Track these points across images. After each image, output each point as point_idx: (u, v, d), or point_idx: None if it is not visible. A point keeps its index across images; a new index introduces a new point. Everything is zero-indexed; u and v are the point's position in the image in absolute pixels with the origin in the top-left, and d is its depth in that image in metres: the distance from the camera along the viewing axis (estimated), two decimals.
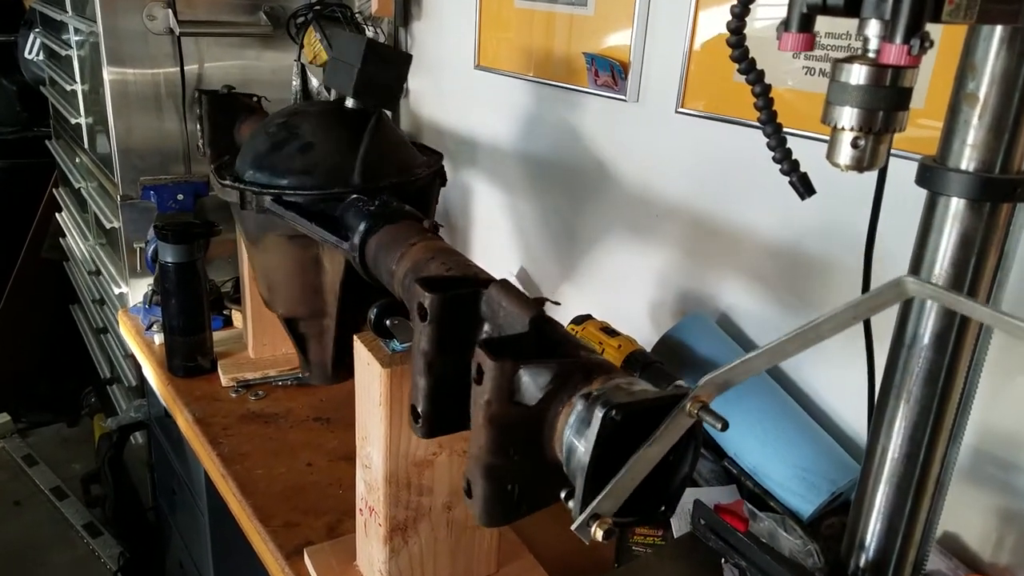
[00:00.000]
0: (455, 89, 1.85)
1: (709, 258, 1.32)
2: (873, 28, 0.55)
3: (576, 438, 0.56)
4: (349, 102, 1.05)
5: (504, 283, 0.65)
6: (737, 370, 0.54)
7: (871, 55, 0.58)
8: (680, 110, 1.28)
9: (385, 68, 1.07)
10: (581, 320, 1.27)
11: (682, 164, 1.33)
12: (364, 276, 0.90)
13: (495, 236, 1.82)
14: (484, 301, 0.66)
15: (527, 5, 1.57)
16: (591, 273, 1.56)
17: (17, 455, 2.87)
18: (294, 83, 1.86)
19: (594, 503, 0.53)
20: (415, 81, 1.98)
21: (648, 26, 1.33)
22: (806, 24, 0.57)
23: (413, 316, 0.68)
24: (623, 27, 1.36)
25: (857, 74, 0.58)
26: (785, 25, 0.58)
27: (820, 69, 1.10)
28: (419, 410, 0.67)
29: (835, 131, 0.60)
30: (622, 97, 1.38)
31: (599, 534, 0.52)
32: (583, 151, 1.51)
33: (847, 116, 0.59)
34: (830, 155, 0.61)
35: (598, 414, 0.52)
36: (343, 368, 1.08)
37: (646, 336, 1.29)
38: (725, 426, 0.52)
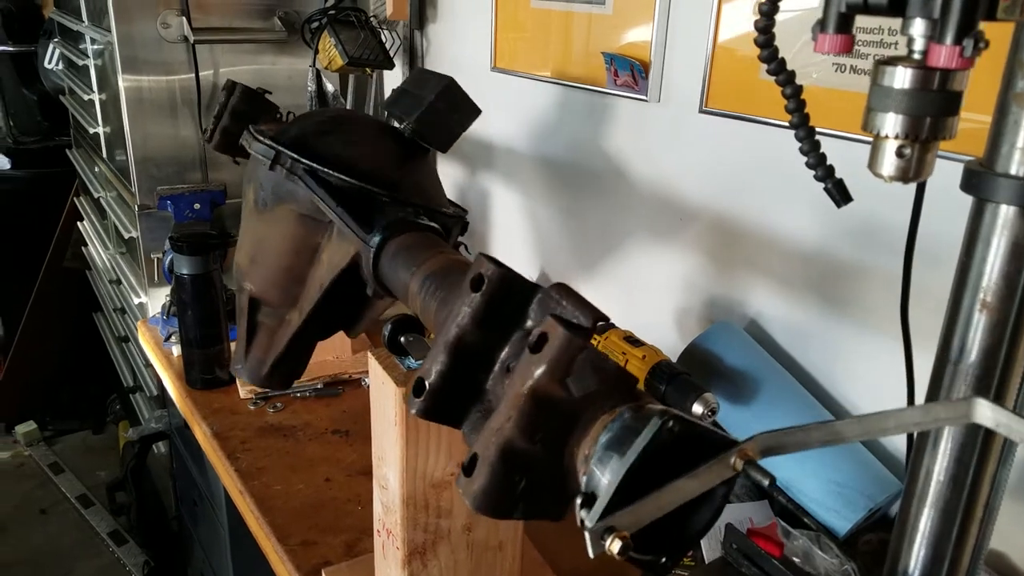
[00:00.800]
0: (471, 91, 1.80)
1: (736, 262, 1.27)
2: (919, 28, 0.51)
3: (614, 445, 0.52)
4: (405, 128, 1.03)
5: (564, 285, 0.62)
6: (792, 437, 0.50)
7: (916, 56, 0.54)
8: (704, 110, 1.24)
9: (453, 111, 1.07)
10: (603, 329, 1.23)
11: (707, 165, 1.28)
12: (369, 276, 0.87)
13: (513, 240, 1.79)
14: (538, 300, 0.63)
15: (544, 5, 1.53)
16: (612, 279, 1.52)
17: (44, 463, 2.89)
18: (309, 88, 1.84)
19: (617, 514, 0.49)
20: None
21: (669, 23, 1.28)
22: (844, 25, 0.53)
23: (463, 288, 0.64)
24: (643, 25, 1.32)
25: (902, 77, 0.53)
26: (821, 26, 0.54)
27: (851, 66, 1.05)
28: (427, 383, 0.62)
29: (877, 139, 0.55)
30: (643, 97, 1.33)
31: (615, 547, 0.48)
32: (603, 153, 1.47)
33: (891, 123, 0.54)
34: (872, 164, 0.57)
35: (656, 422, 0.49)
36: (280, 372, 1.03)
37: (671, 345, 1.25)
38: (772, 482, 0.49)
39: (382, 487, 0.90)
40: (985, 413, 0.49)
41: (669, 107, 1.32)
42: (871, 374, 1.11)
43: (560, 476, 0.55)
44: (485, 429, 0.57)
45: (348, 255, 0.92)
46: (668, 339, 1.35)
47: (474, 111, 1.11)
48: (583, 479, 0.54)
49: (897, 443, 1.10)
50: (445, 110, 1.04)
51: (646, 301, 1.45)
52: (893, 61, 0.55)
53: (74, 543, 2.52)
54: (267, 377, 1.02)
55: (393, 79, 2.04)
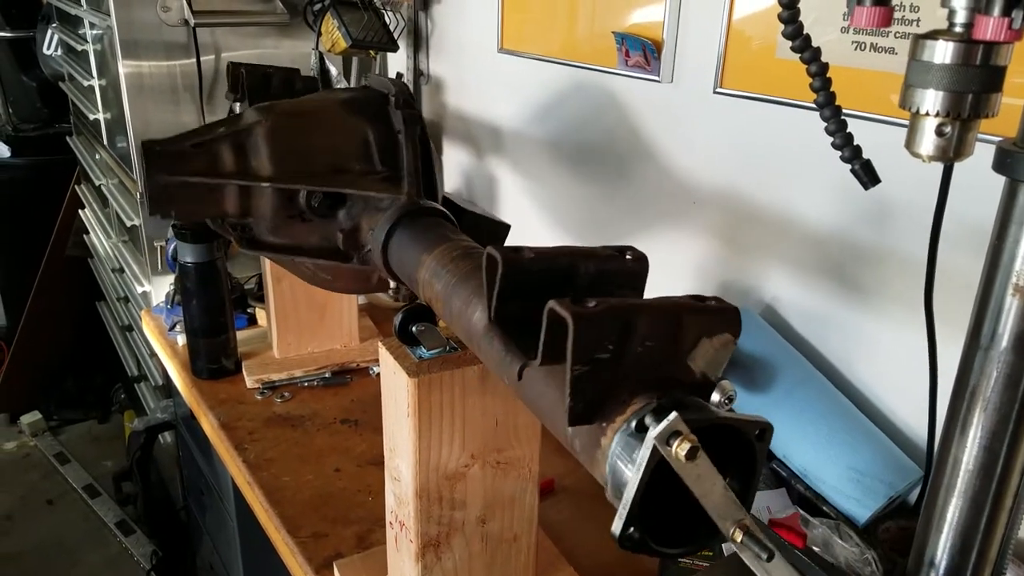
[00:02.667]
0: (478, 74, 1.78)
1: (752, 247, 1.25)
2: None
3: (693, 406, 0.52)
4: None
5: None
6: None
7: (958, 29, 0.51)
8: (719, 90, 1.21)
9: (491, 239, 1.16)
10: None
11: (721, 148, 1.25)
12: (376, 232, 0.89)
13: (521, 227, 1.76)
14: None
15: None
16: None
17: (49, 453, 2.89)
18: (312, 73, 1.81)
19: (689, 431, 0.48)
20: (436, 66, 1.92)
21: (683, 0, 1.25)
22: None
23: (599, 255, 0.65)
24: (655, 2, 1.29)
25: (943, 52, 0.51)
26: None
27: (872, 44, 1.02)
28: (529, 255, 0.61)
29: (916, 117, 0.53)
30: (655, 78, 1.30)
31: (682, 450, 0.47)
32: (614, 136, 1.44)
33: (931, 100, 0.52)
34: (910, 144, 0.54)
35: (757, 420, 0.51)
36: (183, 198, 0.92)
37: None
38: (771, 556, 0.49)
39: (394, 479, 0.88)
40: None
41: (682, 88, 1.29)
42: (892, 361, 1.09)
43: (624, 384, 0.54)
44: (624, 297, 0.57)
45: (378, 191, 0.93)
46: None
47: (500, 234, 1.18)
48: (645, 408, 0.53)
49: (917, 429, 1.08)
50: (486, 232, 1.07)
51: (658, 287, 1.42)
52: (934, 35, 0.52)
53: (81, 533, 2.52)
54: (169, 187, 0.92)
55: (397, 61, 2.01)
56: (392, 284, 1.01)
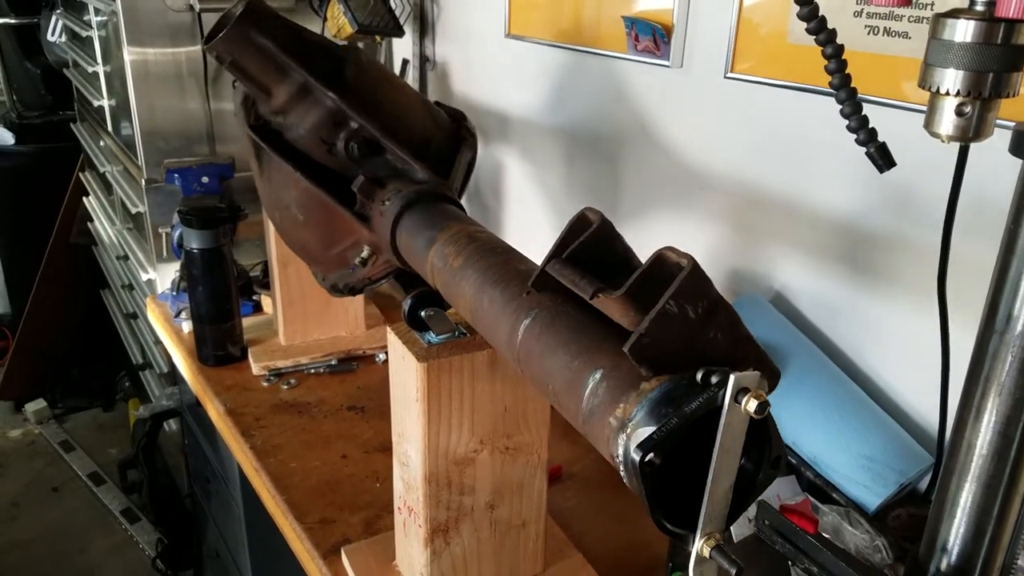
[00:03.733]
0: (485, 60, 1.77)
1: (762, 234, 1.24)
2: None
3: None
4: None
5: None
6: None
7: (980, 8, 0.50)
8: (729, 75, 1.20)
9: None
10: None
11: (732, 134, 1.24)
12: (396, 201, 0.90)
13: (528, 214, 1.75)
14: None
15: None
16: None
17: (54, 441, 2.89)
18: None
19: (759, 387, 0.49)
20: (442, 52, 1.91)
21: None
22: None
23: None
24: None
25: (963, 30, 0.50)
26: None
27: (885, 28, 1.01)
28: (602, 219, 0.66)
29: (935, 96, 0.52)
30: (665, 63, 1.29)
31: (751, 405, 0.48)
32: (623, 123, 1.43)
33: (951, 79, 0.51)
34: (929, 124, 0.54)
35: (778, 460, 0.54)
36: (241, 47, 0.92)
37: None
38: (739, 571, 0.50)
39: (403, 464, 0.88)
40: None
41: (692, 73, 1.27)
42: (902, 348, 1.08)
43: (684, 354, 0.56)
44: None
45: (423, 167, 0.96)
46: None
47: None
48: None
49: (927, 416, 1.08)
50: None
51: None
52: (955, 13, 0.51)
53: (87, 521, 2.53)
54: (248, 41, 0.93)
55: (402, 47, 1.99)
56: (364, 252, 0.99)
